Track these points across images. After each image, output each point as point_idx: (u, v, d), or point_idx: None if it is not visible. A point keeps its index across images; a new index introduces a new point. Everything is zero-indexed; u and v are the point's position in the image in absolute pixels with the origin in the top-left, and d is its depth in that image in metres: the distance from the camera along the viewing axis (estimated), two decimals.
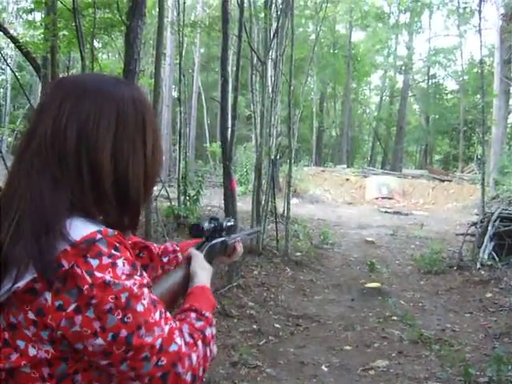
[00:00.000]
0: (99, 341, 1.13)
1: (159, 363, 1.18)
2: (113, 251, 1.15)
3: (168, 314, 1.26)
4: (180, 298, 1.52)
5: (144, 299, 1.18)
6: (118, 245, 1.17)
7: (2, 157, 10.17)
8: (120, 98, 1.30)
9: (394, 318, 7.17)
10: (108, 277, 1.12)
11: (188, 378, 1.22)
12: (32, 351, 1.15)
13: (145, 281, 1.22)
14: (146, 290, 1.20)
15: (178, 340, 1.23)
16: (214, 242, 1.78)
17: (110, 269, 1.13)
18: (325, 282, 9.23)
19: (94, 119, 1.24)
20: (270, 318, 7.04)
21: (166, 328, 1.21)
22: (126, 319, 1.14)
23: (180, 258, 1.85)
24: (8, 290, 1.13)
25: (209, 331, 1.34)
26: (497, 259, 9.69)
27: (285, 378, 5.24)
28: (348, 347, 6.14)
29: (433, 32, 43.47)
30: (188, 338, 1.26)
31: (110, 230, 1.18)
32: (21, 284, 1.12)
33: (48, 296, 1.12)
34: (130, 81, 1.36)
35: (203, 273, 1.54)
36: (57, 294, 1.11)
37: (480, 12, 13.83)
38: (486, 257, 9.85)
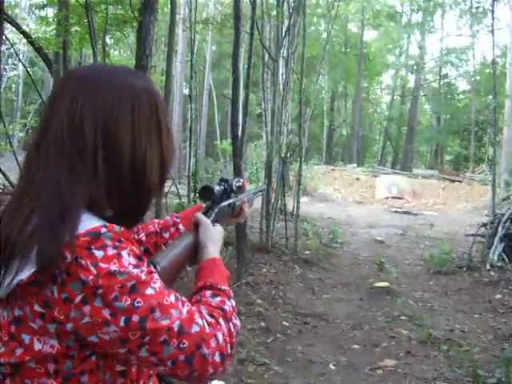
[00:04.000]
0: (113, 327, 1.10)
1: (181, 346, 1.15)
2: (117, 243, 1.14)
3: (184, 298, 1.24)
4: (187, 263, 1.50)
5: (154, 283, 1.16)
6: (122, 239, 1.16)
7: (13, 152, 10.22)
8: (134, 88, 1.29)
9: (403, 317, 7.15)
10: (113, 267, 1.11)
11: (217, 358, 1.20)
12: (37, 345, 1.14)
13: (152, 269, 1.20)
14: (155, 275, 1.19)
15: (200, 321, 1.19)
16: (222, 204, 1.74)
17: (115, 259, 1.11)
18: (333, 280, 9.22)
19: (111, 109, 1.24)
20: (278, 316, 7.04)
21: (185, 310, 1.19)
22: (136, 303, 1.11)
23: (182, 229, 1.83)
24: (10, 283, 1.12)
25: (228, 305, 1.31)
26: (506, 260, 9.65)
27: (292, 375, 5.23)
28: (356, 346, 6.12)
29: (445, 32, 43.38)
30: (209, 319, 1.23)
31: (115, 226, 1.16)
32: (24, 276, 1.10)
33: (54, 289, 1.10)
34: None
35: (213, 244, 1.51)
36: (62, 286, 1.10)
37: (493, 12, 13.78)
38: (495, 258, 9.81)
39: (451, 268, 9.82)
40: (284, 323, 6.78)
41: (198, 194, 1.76)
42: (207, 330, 1.19)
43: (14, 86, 40.60)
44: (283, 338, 6.29)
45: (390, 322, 6.97)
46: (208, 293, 1.33)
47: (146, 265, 1.18)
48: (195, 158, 13.07)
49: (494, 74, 14.19)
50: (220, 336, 1.22)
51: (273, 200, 10.82)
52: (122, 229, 1.18)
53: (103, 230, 1.13)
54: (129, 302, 1.11)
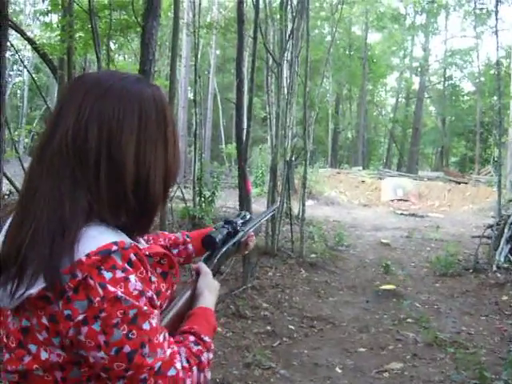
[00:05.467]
0: (101, 354, 1.12)
1: None
2: (126, 265, 1.15)
3: (171, 338, 1.26)
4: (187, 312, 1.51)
5: (152, 319, 1.17)
6: (133, 258, 1.16)
7: (19, 158, 10.25)
8: (142, 97, 1.29)
9: (409, 320, 7.14)
10: (119, 292, 1.12)
11: None
12: (44, 355, 1.16)
13: (155, 299, 1.21)
14: (155, 311, 1.20)
15: (178, 365, 1.21)
16: (225, 248, 1.76)
17: (122, 283, 1.13)
18: (339, 283, 9.20)
19: (117, 119, 1.23)
20: (284, 320, 7.04)
21: (168, 351, 1.20)
22: (130, 335, 1.13)
23: (190, 249, 1.85)
24: (21, 296, 1.14)
25: (205, 356, 1.32)
26: None
27: (298, 379, 5.23)
28: (362, 349, 6.12)
29: (449, 33, 43.46)
30: (184, 363, 1.24)
31: (126, 242, 1.17)
32: (33, 291, 1.12)
33: (60, 303, 1.12)
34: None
35: (210, 294, 1.53)
36: (67, 302, 1.11)
37: (497, 13, 13.75)
38: (502, 259, 9.79)
39: (457, 270, 9.80)
40: (290, 327, 6.78)
41: (202, 243, 1.80)
42: (180, 375, 1.21)
43: (19, 92, 40.69)
44: (289, 341, 6.29)
45: (397, 325, 6.96)
46: (191, 338, 1.33)
47: (150, 292, 1.19)
48: (200, 162, 13.06)
49: (498, 75, 14.16)
50: (188, 382, 1.23)
51: (278, 203, 10.81)
52: (132, 244, 1.18)
53: (114, 247, 1.14)
54: (125, 331, 1.12)
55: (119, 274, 1.13)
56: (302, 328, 6.80)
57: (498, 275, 9.20)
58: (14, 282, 1.15)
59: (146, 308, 1.16)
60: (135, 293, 1.14)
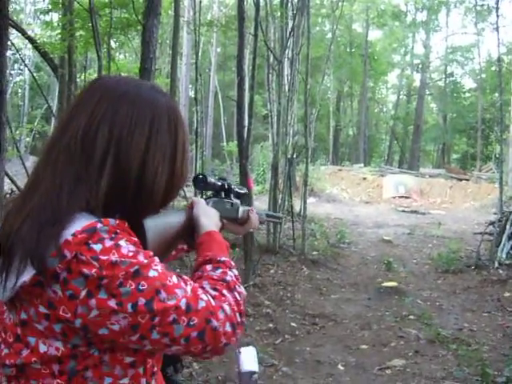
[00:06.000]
0: (121, 315, 1.11)
1: (191, 323, 1.17)
2: (113, 235, 1.14)
3: (185, 277, 1.25)
4: (178, 241, 1.50)
5: (156, 265, 1.18)
6: (119, 230, 1.16)
7: (20, 157, 10.25)
8: (155, 105, 1.30)
9: (411, 317, 7.14)
10: (114, 257, 1.11)
11: (228, 328, 1.22)
12: (42, 348, 1.15)
13: (151, 253, 1.21)
14: (156, 258, 1.20)
15: (204, 296, 1.21)
16: (221, 198, 1.74)
17: (114, 250, 1.12)
18: (341, 281, 9.21)
19: (129, 123, 1.25)
20: (286, 317, 7.04)
21: (188, 288, 1.20)
22: (140, 287, 1.12)
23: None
24: (14, 286, 1.13)
25: (230, 275, 1.33)
26: None
27: (301, 376, 5.23)
28: (364, 346, 6.12)
29: (450, 30, 43.35)
30: (213, 292, 1.25)
31: (111, 220, 1.17)
32: (26, 278, 1.12)
33: (57, 288, 1.11)
34: (160, 88, 1.34)
35: (207, 218, 1.52)
36: (65, 284, 1.10)
37: (497, 9, 13.76)
38: (504, 256, 9.79)
39: (459, 267, 9.80)
40: (292, 324, 6.78)
41: (193, 184, 1.74)
42: (213, 304, 1.21)
43: (20, 91, 40.75)
44: (291, 338, 6.29)
45: (399, 322, 6.96)
46: (209, 267, 1.34)
47: (143, 251, 1.19)
48: (201, 159, 13.10)
49: (499, 72, 14.11)
50: (227, 307, 1.23)
51: (280, 201, 10.82)
52: (118, 221, 1.18)
53: (99, 225, 1.14)
54: (133, 286, 1.12)
55: (109, 243, 1.12)
56: (304, 325, 6.80)
57: (500, 272, 9.20)
58: (3, 271, 1.15)
59: (146, 260, 1.16)
60: (130, 254, 1.14)
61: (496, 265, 9.48)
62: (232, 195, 1.80)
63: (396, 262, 10.35)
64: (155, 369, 1.32)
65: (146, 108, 1.28)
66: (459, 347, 5.89)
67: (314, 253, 10.65)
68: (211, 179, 1.71)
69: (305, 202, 11.24)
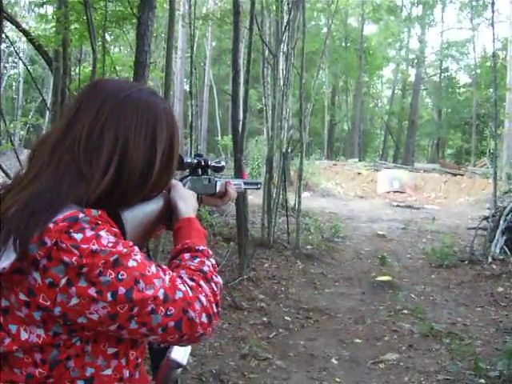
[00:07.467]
0: (100, 304, 1.13)
1: (168, 313, 1.19)
2: (94, 225, 1.16)
3: (164, 266, 1.27)
4: (157, 227, 1.49)
5: (135, 255, 1.19)
6: (99, 221, 1.18)
7: (14, 150, 10.22)
8: (156, 110, 1.35)
9: (405, 311, 7.16)
10: (94, 246, 1.13)
11: (204, 319, 1.25)
12: (24, 335, 1.16)
13: (131, 243, 1.22)
14: (136, 248, 1.22)
15: (182, 286, 1.23)
16: (197, 176, 1.76)
17: (94, 240, 1.14)
18: (335, 275, 9.22)
19: (134, 126, 1.29)
20: (280, 311, 7.05)
21: (167, 278, 1.22)
22: (120, 276, 1.14)
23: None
24: None
25: (207, 265, 1.35)
26: (508, 253, 9.67)
27: (294, 370, 5.24)
28: (358, 340, 6.13)
29: (445, 25, 43.46)
30: (190, 282, 1.27)
31: (93, 211, 1.19)
32: (6, 264, 1.12)
33: (36, 275, 1.12)
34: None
35: (185, 203, 1.52)
36: (45, 271, 1.11)
37: (493, 5, 13.72)
38: (497, 251, 9.83)
39: (453, 261, 9.83)
40: (286, 318, 6.80)
41: None
42: (190, 294, 1.24)
43: (14, 84, 40.57)
44: (285, 332, 6.30)
45: (392, 316, 6.98)
46: (187, 255, 1.36)
47: (123, 242, 1.20)
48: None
49: (494, 67, 14.12)
50: (203, 298, 1.26)
51: (274, 195, 10.82)
52: (100, 212, 1.20)
53: (81, 215, 1.16)
54: (113, 275, 1.14)
55: (89, 233, 1.14)
56: (298, 319, 6.82)
57: (494, 267, 9.23)
58: None
59: (125, 250, 1.17)
60: (110, 244, 1.16)
61: (489, 260, 9.51)
62: (209, 170, 1.83)
63: (390, 257, 10.37)
64: (139, 360, 1.34)
65: (149, 111, 1.33)
66: (452, 341, 5.92)
67: (309, 247, 10.66)
68: (187, 159, 1.72)
69: (299, 197, 11.24)
